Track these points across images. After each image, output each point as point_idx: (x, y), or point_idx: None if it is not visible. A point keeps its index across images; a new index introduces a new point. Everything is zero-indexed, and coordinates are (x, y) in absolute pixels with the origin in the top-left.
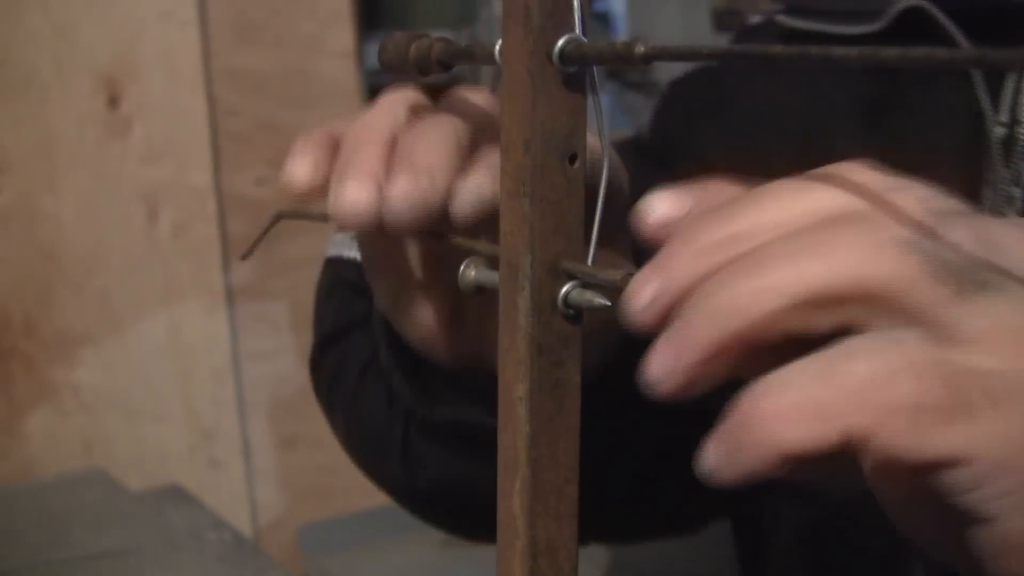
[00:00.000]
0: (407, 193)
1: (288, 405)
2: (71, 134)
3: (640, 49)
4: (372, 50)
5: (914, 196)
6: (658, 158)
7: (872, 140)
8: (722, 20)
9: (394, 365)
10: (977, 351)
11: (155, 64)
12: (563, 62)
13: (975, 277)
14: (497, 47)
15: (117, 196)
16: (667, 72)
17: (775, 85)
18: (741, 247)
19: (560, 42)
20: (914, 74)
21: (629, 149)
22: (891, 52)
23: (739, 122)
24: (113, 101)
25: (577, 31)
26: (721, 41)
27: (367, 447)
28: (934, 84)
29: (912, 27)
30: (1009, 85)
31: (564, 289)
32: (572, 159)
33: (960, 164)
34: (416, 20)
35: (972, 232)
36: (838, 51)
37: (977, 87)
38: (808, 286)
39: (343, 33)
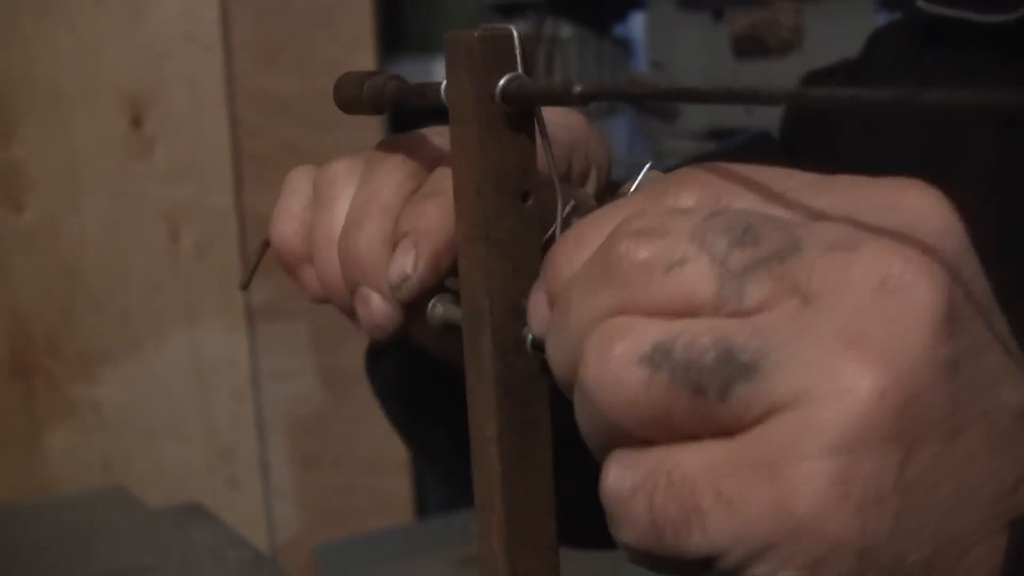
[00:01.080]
0: (422, 282)
1: (306, 425)
2: (95, 154)
3: (577, 89)
4: (395, 73)
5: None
6: (792, 149)
7: (1008, 132)
8: (742, 45)
9: None
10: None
11: (179, 85)
12: (506, 102)
13: (726, 373)
14: (442, 89)
15: (140, 216)
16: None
17: (916, 77)
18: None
19: (502, 82)
20: None
21: (758, 143)
22: (933, 95)
23: (872, 119)
24: (137, 122)
25: (519, 70)
26: (741, 66)
27: None
28: None
29: None
30: None
31: (526, 328)
32: (525, 197)
33: None
34: (436, 44)
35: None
36: (858, 93)
37: None
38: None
39: (365, 56)
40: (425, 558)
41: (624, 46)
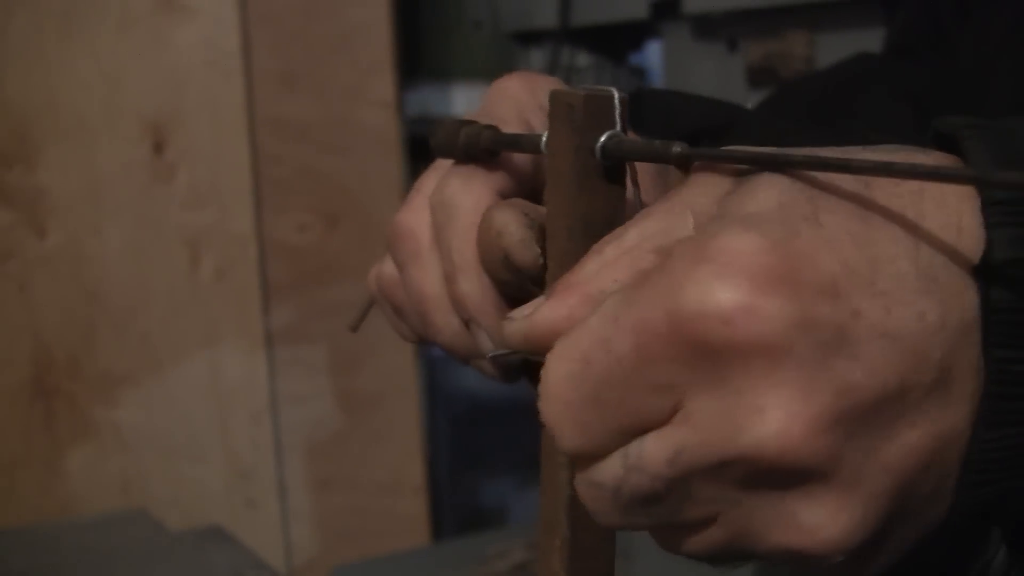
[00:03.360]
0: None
1: (324, 447)
2: (117, 179)
3: (677, 149)
4: (412, 99)
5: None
6: (815, 111)
7: None
8: (757, 76)
9: None
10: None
11: (200, 111)
12: (604, 157)
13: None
14: (543, 138)
15: (160, 240)
16: None
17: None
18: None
19: (602, 139)
20: None
21: (783, 97)
22: (902, 167)
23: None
24: (158, 147)
25: (617, 128)
26: (755, 96)
27: None
28: None
29: None
30: None
31: None
32: None
33: None
34: (454, 72)
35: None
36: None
37: None
38: None
39: (384, 82)
40: None
41: (640, 75)
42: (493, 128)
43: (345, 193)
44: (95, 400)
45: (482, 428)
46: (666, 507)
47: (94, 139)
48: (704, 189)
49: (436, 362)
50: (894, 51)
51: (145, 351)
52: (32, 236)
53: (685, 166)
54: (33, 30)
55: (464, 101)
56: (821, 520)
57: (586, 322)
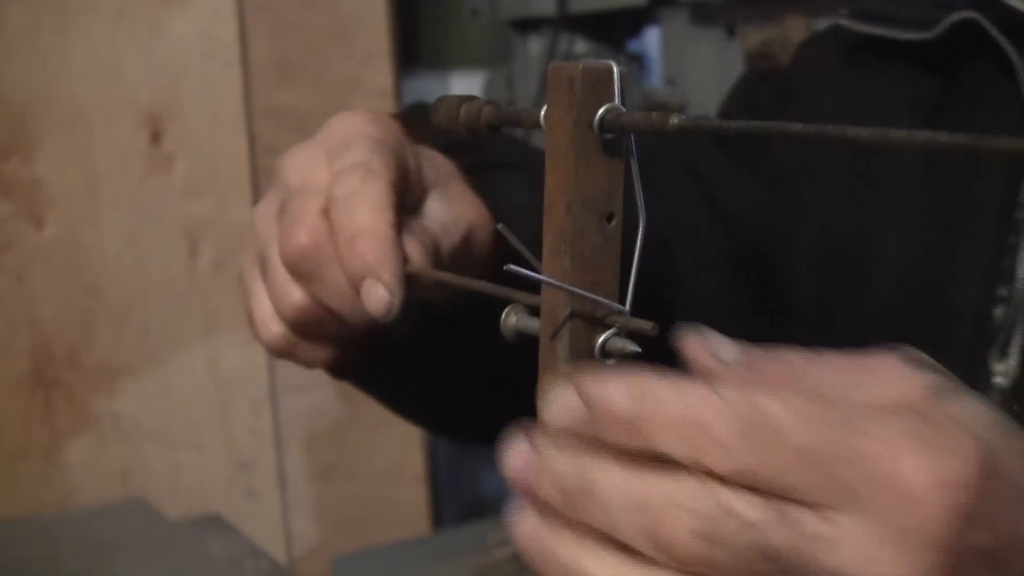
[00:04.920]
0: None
1: (324, 437)
2: (115, 170)
3: (674, 121)
4: (410, 88)
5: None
6: (723, 140)
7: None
8: (754, 62)
9: None
10: None
11: (197, 102)
12: (603, 130)
13: None
14: (542, 113)
15: (159, 231)
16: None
17: (844, 83)
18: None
19: (600, 111)
20: (971, 77)
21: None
22: (898, 134)
23: (805, 116)
24: (156, 138)
25: (616, 101)
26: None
27: None
28: (989, 88)
29: (966, 35)
30: None
31: (601, 338)
32: (610, 218)
33: (1010, 164)
34: (452, 60)
35: None
36: (851, 131)
37: None
38: None
39: (381, 72)
40: (442, 569)
41: (639, 62)
42: (493, 104)
43: None
44: (94, 391)
45: None
46: None
47: (91, 130)
48: None
49: None
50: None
51: (144, 342)
52: (30, 227)
53: (680, 137)
54: (29, 21)
55: (462, 89)
56: None
57: None
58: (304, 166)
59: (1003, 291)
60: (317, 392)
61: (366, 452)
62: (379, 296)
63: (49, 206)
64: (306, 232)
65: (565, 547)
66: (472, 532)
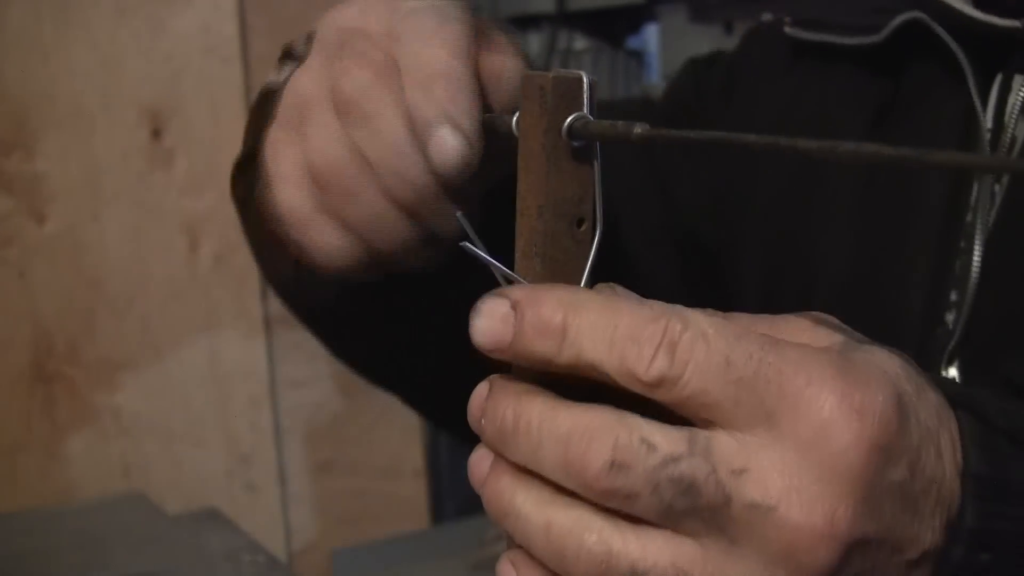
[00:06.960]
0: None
1: (323, 432)
2: (115, 166)
3: (638, 131)
4: None
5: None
6: (669, 121)
7: (875, 139)
8: None
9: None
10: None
11: (198, 97)
12: (572, 137)
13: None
14: (515, 120)
15: (159, 226)
16: None
17: (790, 81)
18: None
19: (569, 119)
20: (916, 78)
21: (637, 105)
22: (846, 147)
23: (750, 110)
24: (157, 134)
25: (585, 110)
26: None
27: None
28: (936, 87)
29: (913, 38)
30: (994, 92)
31: None
32: (580, 223)
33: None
34: None
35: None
36: (802, 144)
37: (972, 92)
38: None
39: None
40: (440, 562)
41: (638, 58)
42: None
43: None
44: (95, 385)
45: None
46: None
47: (92, 126)
48: None
49: None
50: (657, 108)
51: (144, 336)
52: (31, 222)
53: (644, 145)
54: (31, 18)
55: None
56: None
57: None
58: (362, 16)
59: (954, 296)
60: (317, 387)
61: (365, 446)
62: (454, 145)
63: (50, 202)
64: (370, 65)
65: (503, 486)
66: (471, 526)
